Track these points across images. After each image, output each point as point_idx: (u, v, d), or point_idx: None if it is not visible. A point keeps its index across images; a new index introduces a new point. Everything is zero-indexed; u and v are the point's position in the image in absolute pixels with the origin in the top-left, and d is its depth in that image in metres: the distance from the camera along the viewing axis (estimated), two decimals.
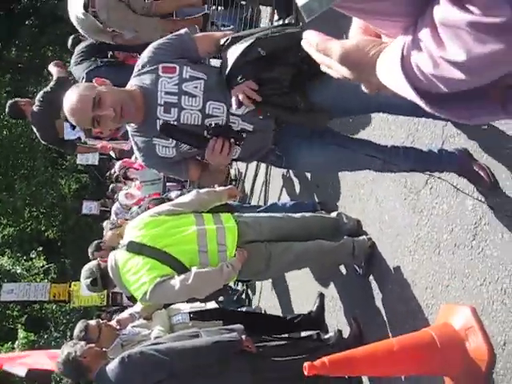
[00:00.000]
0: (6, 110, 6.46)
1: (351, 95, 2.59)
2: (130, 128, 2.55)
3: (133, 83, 2.51)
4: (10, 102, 6.43)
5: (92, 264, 3.66)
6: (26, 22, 17.58)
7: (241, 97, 2.32)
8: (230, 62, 2.36)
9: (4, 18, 17.04)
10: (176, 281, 3.10)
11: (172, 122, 2.42)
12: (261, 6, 5.60)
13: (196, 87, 2.42)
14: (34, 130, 6.41)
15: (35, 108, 6.02)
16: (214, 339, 3.33)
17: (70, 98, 2.38)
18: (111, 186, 10.28)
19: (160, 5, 4.95)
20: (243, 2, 5.40)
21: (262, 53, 2.34)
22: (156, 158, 2.51)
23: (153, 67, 2.46)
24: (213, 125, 2.37)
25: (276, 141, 2.58)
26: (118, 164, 9.58)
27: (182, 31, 2.56)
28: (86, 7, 4.92)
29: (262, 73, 2.37)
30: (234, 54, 2.37)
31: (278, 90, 2.41)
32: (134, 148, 2.58)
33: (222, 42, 2.48)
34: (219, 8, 5.14)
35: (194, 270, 3.13)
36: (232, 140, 2.36)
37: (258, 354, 3.46)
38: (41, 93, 6.09)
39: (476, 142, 2.75)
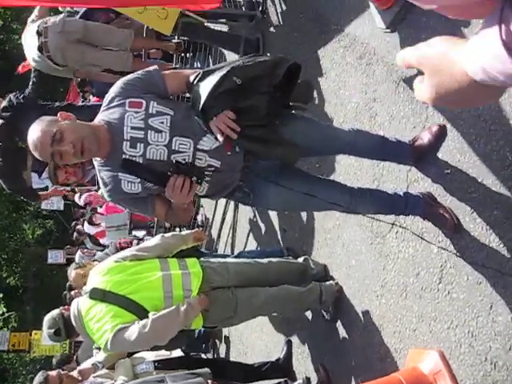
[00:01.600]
0: None
1: (318, 134, 2.67)
2: (97, 162, 2.52)
3: (100, 118, 2.50)
4: None
5: (55, 313, 3.54)
6: None
7: (223, 127, 2.32)
8: (205, 94, 2.35)
9: None
10: (134, 329, 2.99)
11: (138, 158, 2.40)
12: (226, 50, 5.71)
13: (162, 122, 2.41)
14: None
15: (0, 162, 5.95)
16: None
17: (33, 133, 2.36)
18: (75, 235, 10.12)
19: (136, 43, 5.16)
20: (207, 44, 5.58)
21: (237, 81, 2.35)
22: (122, 193, 2.47)
23: (120, 102, 2.46)
24: (174, 162, 2.34)
25: (243, 178, 2.57)
26: (82, 197, 9.51)
27: (151, 68, 2.57)
28: (40, 50, 5.07)
29: (239, 102, 2.38)
30: (208, 85, 2.37)
31: (255, 119, 2.42)
32: (100, 183, 2.55)
33: (191, 78, 2.48)
34: (188, 55, 5.24)
35: (150, 315, 3.05)
36: (194, 178, 2.34)
37: None
38: None
39: (440, 186, 2.80)
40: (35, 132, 2.35)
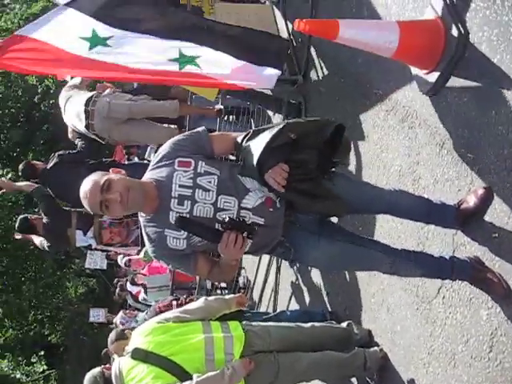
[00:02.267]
0: (16, 225, 6.49)
1: (359, 191, 2.70)
2: (142, 218, 2.58)
3: (148, 176, 2.59)
4: (20, 217, 6.47)
5: (95, 372, 3.52)
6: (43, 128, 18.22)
7: (279, 179, 2.40)
8: (259, 149, 2.44)
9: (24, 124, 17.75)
10: None
11: (185, 214, 2.46)
12: (270, 112, 5.84)
13: (210, 182, 2.49)
14: (43, 241, 6.45)
15: (45, 220, 6.14)
16: None
17: (85, 184, 2.47)
18: (117, 291, 10.19)
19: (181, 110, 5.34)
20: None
21: (292, 136, 2.46)
22: (166, 249, 2.52)
23: (169, 161, 2.55)
24: (227, 218, 2.38)
25: (285, 232, 2.60)
26: (120, 258, 9.63)
27: (200, 129, 2.67)
28: (86, 128, 5.37)
29: (292, 156, 2.47)
30: (261, 141, 2.45)
31: (304, 173, 2.50)
32: (145, 238, 2.59)
33: (239, 139, 2.58)
34: (231, 118, 5.38)
35: (195, 377, 3.01)
36: (245, 233, 2.36)
37: None
38: (43, 204, 6.20)
39: (487, 250, 2.73)
40: (87, 183, 2.46)
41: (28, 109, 17.76)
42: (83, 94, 5.61)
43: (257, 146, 2.48)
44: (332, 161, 2.60)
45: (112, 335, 4.16)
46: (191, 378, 3.03)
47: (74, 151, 6.00)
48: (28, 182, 6.49)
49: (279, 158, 2.44)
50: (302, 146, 2.49)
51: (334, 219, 2.92)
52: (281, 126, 2.48)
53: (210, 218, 2.47)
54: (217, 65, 3.68)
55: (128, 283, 8.96)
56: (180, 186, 2.49)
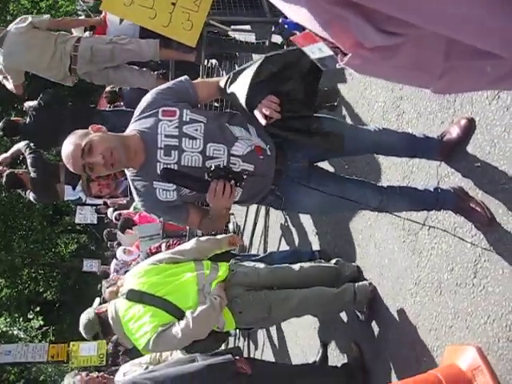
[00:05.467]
0: (3, 180, 6.40)
1: (350, 134, 2.69)
2: (129, 172, 2.54)
3: (132, 128, 2.53)
4: (7, 172, 6.35)
5: (90, 316, 3.50)
6: None
7: (268, 112, 2.34)
8: (245, 88, 2.40)
9: None
10: (177, 329, 3.06)
11: (172, 165, 2.42)
12: (254, 55, 5.79)
13: (196, 130, 2.44)
14: (30, 194, 6.42)
15: (33, 174, 6.10)
16: (206, 362, 3.27)
17: (65, 147, 2.41)
18: (109, 242, 10.25)
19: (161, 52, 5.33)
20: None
21: (273, 69, 2.41)
22: (156, 201, 2.49)
23: (153, 111, 2.49)
24: (213, 167, 2.36)
25: (276, 181, 2.59)
26: (110, 211, 9.65)
27: (182, 78, 2.61)
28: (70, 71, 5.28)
29: (280, 86, 2.43)
30: (245, 81, 2.42)
31: (295, 109, 2.48)
32: (134, 193, 2.56)
33: (222, 83, 2.54)
34: (213, 62, 5.31)
35: (188, 315, 3.10)
36: (232, 182, 2.36)
37: (253, 374, 3.39)
38: (30, 159, 6.15)
39: (470, 180, 2.77)
40: (67, 146, 2.40)
41: None
42: (46, 38, 5.39)
43: (241, 85, 2.43)
44: (315, 89, 2.58)
45: (103, 286, 4.23)
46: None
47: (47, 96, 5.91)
48: (15, 146, 6.45)
49: (266, 91, 2.39)
50: (287, 78, 2.45)
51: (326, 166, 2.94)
52: (260, 60, 2.44)
53: (198, 167, 2.42)
54: None
55: (118, 251, 8.95)
56: (166, 135, 2.42)
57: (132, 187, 2.56)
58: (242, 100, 2.42)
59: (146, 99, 2.56)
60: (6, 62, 5.37)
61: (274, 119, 2.38)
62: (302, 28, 1.01)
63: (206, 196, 2.37)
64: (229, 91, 2.50)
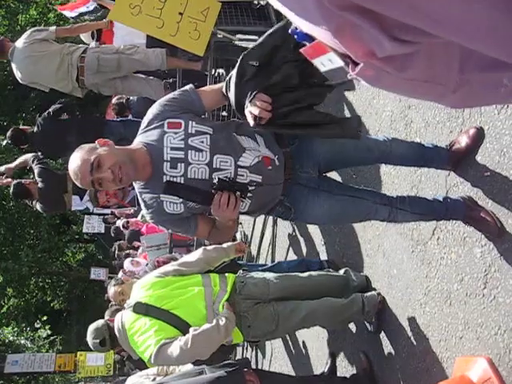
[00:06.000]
0: (11, 190, 6.40)
1: (352, 145, 2.66)
2: (137, 185, 2.52)
3: (139, 140, 2.51)
4: (14, 183, 6.37)
5: (100, 323, 3.55)
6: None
7: (257, 111, 2.21)
8: (232, 92, 2.34)
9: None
10: (176, 345, 2.99)
11: (179, 178, 2.39)
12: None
13: (202, 142, 2.41)
14: (38, 204, 6.42)
15: (40, 185, 6.11)
16: (215, 375, 3.23)
17: (73, 163, 2.38)
18: (117, 253, 10.26)
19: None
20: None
21: (254, 64, 2.29)
22: (164, 214, 2.46)
23: (159, 123, 2.46)
24: (216, 179, 2.33)
25: (285, 191, 2.55)
26: (120, 223, 9.66)
27: (187, 87, 2.58)
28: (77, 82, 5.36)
29: (269, 80, 2.30)
30: (232, 83, 2.35)
31: (296, 99, 2.30)
32: (142, 205, 2.54)
33: (223, 89, 2.48)
34: (221, 71, 5.33)
35: (191, 331, 3.05)
36: (238, 193, 2.32)
37: None
38: (37, 170, 6.17)
39: (480, 190, 2.76)
40: (75, 161, 2.36)
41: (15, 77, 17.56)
42: (52, 51, 5.44)
43: (231, 89, 2.37)
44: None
45: (110, 283, 4.24)
46: None
47: (58, 106, 5.95)
48: (22, 157, 6.48)
49: (253, 88, 2.27)
50: (275, 66, 2.29)
51: (332, 175, 2.90)
52: (238, 61, 2.32)
53: (206, 180, 2.38)
54: None
55: (126, 262, 8.96)
56: (171, 148, 2.39)
57: (140, 200, 2.53)
58: (232, 104, 2.37)
59: (151, 111, 2.53)
60: (20, 77, 5.48)
61: (266, 119, 2.25)
62: (311, 39, 0.99)
63: (211, 208, 2.35)
64: (228, 95, 2.44)
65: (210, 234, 2.62)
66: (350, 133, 2.43)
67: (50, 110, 5.92)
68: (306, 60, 2.26)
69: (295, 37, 1.10)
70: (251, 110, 2.24)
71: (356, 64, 0.92)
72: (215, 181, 2.32)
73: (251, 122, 2.26)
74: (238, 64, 2.32)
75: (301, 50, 1.11)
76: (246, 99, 2.28)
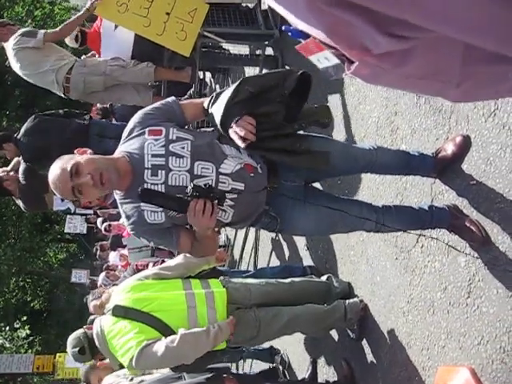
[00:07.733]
0: None
1: (338, 154, 2.62)
2: (118, 196, 2.46)
3: (120, 149, 2.47)
4: None
5: (79, 332, 3.50)
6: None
7: (242, 133, 2.27)
8: (221, 109, 2.34)
9: None
10: (161, 344, 2.95)
11: (160, 185, 2.34)
12: (246, 68, 5.79)
13: (183, 148, 2.37)
14: (20, 202, 6.33)
15: (23, 182, 6.03)
16: (194, 381, 3.20)
17: (52, 174, 2.33)
18: (98, 253, 10.19)
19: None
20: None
21: (250, 90, 2.34)
22: (145, 224, 2.39)
23: (139, 132, 2.44)
24: (191, 186, 2.25)
25: (269, 201, 2.51)
26: (99, 221, 9.61)
27: (170, 99, 2.57)
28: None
29: (255, 108, 2.35)
30: (222, 102, 2.35)
31: (274, 127, 2.40)
32: (123, 216, 2.47)
33: (205, 104, 2.48)
34: (206, 75, 5.30)
35: (180, 331, 3.01)
36: (216, 201, 2.25)
37: None
38: (21, 168, 6.08)
39: (465, 198, 2.74)
40: (54, 171, 2.32)
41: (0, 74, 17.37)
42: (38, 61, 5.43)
43: (218, 107, 2.38)
44: (300, 110, 2.51)
45: (88, 299, 4.16)
46: (174, 333, 3.04)
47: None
48: (16, 159, 6.38)
49: (240, 112, 2.32)
50: (267, 100, 2.38)
51: (318, 185, 2.88)
52: (238, 82, 2.38)
53: (186, 187, 2.31)
54: None
55: (111, 255, 8.92)
56: (152, 155, 2.35)
57: (121, 211, 2.47)
58: (217, 122, 2.37)
59: (133, 120, 2.50)
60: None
61: (250, 141, 2.30)
62: (306, 36, 0.96)
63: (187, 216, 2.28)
64: (210, 111, 2.46)
65: (193, 248, 2.53)
66: (320, 165, 2.54)
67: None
68: (298, 107, 2.27)
69: (289, 34, 1.10)
70: (236, 131, 2.29)
71: (351, 62, 0.89)
72: (190, 187, 2.24)
73: (239, 143, 2.32)
74: (235, 85, 2.36)
75: (296, 47, 1.10)
76: (231, 119, 2.32)
